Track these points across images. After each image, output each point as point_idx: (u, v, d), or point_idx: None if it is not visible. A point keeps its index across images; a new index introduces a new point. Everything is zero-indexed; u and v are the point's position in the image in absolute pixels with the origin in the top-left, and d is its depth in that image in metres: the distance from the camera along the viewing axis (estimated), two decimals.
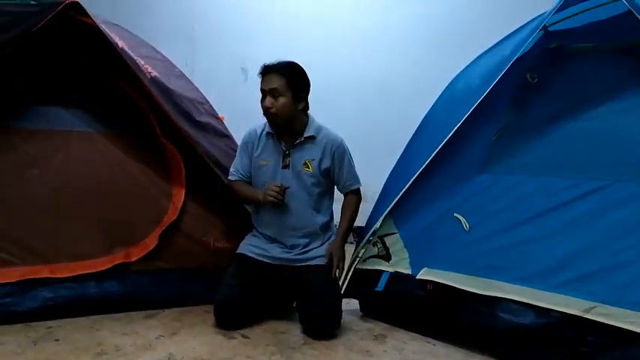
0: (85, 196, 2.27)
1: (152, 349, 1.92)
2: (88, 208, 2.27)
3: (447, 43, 3.89)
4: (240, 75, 4.13)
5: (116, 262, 2.25)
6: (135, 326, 2.13)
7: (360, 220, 2.51)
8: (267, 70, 2.18)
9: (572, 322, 1.74)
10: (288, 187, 2.18)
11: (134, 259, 2.28)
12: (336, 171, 2.28)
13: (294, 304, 2.36)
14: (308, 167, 2.23)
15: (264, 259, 2.25)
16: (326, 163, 2.24)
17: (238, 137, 2.62)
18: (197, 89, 2.58)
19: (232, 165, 2.36)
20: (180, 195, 2.40)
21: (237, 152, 2.36)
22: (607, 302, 1.71)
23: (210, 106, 2.56)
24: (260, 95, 2.21)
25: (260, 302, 2.24)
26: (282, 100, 2.14)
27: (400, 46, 4.02)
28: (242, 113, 3.50)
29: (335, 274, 2.19)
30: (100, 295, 2.21)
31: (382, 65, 4.03)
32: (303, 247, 2.26)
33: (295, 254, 2.25)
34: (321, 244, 2.28)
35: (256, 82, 4.14)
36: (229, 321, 2.15)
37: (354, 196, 2.36)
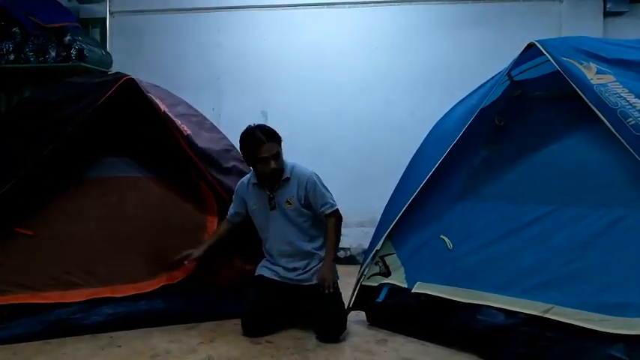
0: (135, 230, 2.76)
1: (195, 352, 2.38)
2: (137, 239, 2.76)
3: (436, 84, 4.36)
4: (261, 118, 4.64)
5: (162, 284, 2.72)
6: (179, 335, 2.59)
7: (365, 243, 2.96)
8: (267, 139, 2.51)
9: (534, 322, 2.13)
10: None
11: (176, 280, 2.74)
12: (311, 200, 2.63)
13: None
14: (290, 204, 2.62)
15: (276, 278, 2.68)
16: (302, 197, 2.63)
17: None
18: (225, 137, 3.09)
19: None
20: (213, 226, 2.89)
21: (234, 198, 2.79)
22: (561, 304, 2.08)
23: (237, 151, 3.03)
24: None
25: (278, 313, 2.67)
26: (280, 158, 2.57)
27: (398, 88, 4.49)
28: None
29: (329, 292, 2.53)
30: (149, 311, 2.68)
31: (383, 104, 4.52)
32: (304, 269, 2.68)
33: (298, 275, 2.67)
34: (319, 262, 2.66)
35: (275, 123, 4.66)
36: (254, 329, 2.58)
37: (331, 219, 2.64)
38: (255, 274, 2.76)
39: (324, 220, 2.67)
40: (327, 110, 4.54)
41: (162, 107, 2.75)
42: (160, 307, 2.71)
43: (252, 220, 2.76)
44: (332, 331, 2.53)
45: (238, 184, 2.80)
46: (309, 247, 2.69)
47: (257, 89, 4.65)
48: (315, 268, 2.68)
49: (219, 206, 2.93)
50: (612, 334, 1.90)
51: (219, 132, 3.13)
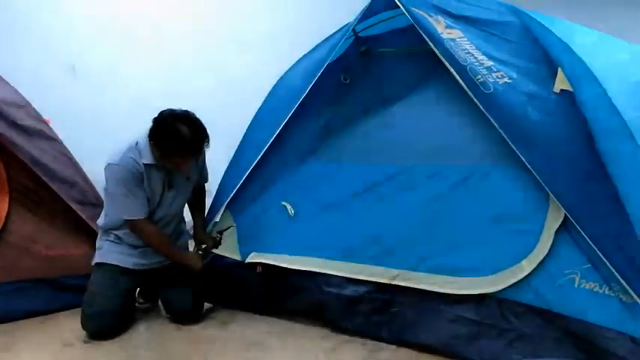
0: None
1: None
2: None
3: (280, 43, 4.10)
4: (70, 72, 3.91)
5: None
6: None
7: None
8: (199, 151, 2.16)
9: (384, 288, 2.03)
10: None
11: None
12: (200, 169, 2.41)
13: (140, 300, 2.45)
14: (189, 179, 2.33)
15: (141, 267, 2.26)
16: (199, 169, 2.40)
17: (66, 139, 2.56)
18: (16, 91, 2.43)
19: (128, 205, 2.15)
20: (3, 203, 2.28)
21: (127, 190, 2.12)
22: (409, 269, 2.00)
23: (33, 108, 2.43)
24: None
25: (131, 308, 2.31)
26: None
27: (229, 47, 4.18)
28: (71, 113, 3.40)
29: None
30: None
31: (214, 65, 4.15)
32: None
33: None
34: (182, 236, 2.46)
35: (86, 80, 3.99)
36: (109, 330, 2.12)
37: (203, 189, 2.53)
38: (98, 261, 2.24)
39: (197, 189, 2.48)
40: (149, 66, 4.02)
41: None
42: None
43: None
44: (193, 314, 2.31)
45: (125, 167, 2.10)
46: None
47: (64, 40, 3.87)
48: (179, 243, 2.44)
49: (16, 177, 2.33)
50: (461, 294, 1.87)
51: (8, 84, 2.45)
